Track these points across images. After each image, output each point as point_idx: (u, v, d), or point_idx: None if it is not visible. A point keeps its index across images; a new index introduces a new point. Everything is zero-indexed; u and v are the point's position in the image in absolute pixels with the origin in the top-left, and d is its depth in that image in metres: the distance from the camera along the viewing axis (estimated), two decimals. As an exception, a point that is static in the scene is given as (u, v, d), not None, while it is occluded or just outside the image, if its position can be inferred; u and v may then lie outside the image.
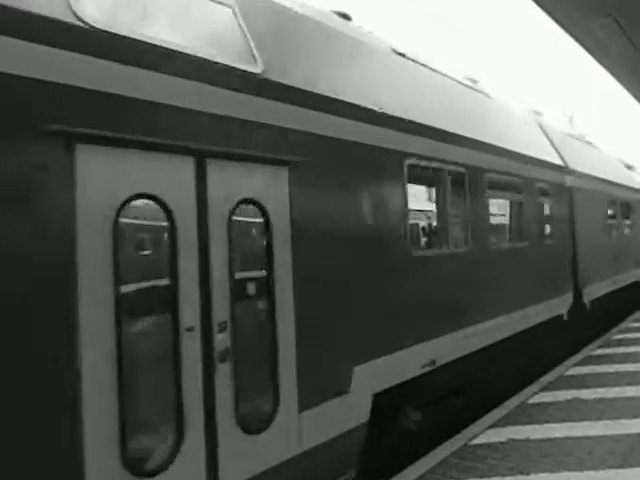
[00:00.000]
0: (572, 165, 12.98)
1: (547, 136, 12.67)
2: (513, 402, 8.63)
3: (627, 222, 18.21)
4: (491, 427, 7.53)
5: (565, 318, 11.65)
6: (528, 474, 6.00)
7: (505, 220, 10.18)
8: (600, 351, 12.03)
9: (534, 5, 7.21)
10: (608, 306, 15.10)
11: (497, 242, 9.43)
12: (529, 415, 7.93)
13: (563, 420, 7.60)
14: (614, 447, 6.58)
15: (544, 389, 9.25)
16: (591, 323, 13.88)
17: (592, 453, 6.44)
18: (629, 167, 21.36)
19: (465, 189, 8.19)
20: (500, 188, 9.40)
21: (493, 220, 9.22)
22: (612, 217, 16.46)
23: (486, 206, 8.79)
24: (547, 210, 11.29)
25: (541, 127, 12.71)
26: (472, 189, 8.31)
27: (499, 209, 9.77)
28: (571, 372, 10.29)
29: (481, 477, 6.00)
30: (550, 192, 11.31)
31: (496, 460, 6.40)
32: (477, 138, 8.68)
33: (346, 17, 7.52)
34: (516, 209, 10.13)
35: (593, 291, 13.39)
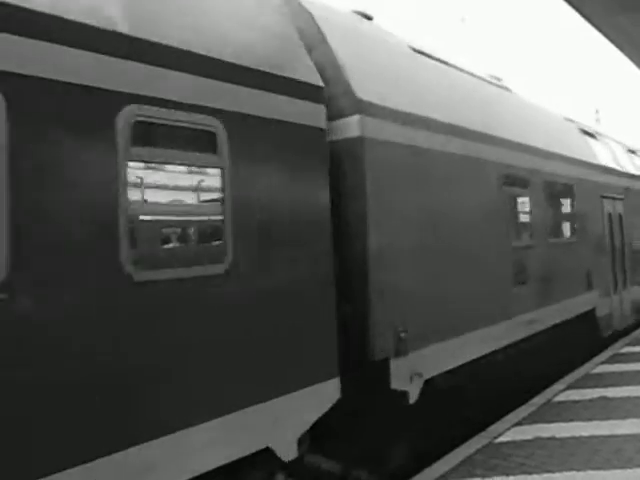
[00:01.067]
0: (370, 95, 6.10)
1: (312, 31, 6.05)
2: (539, 400, 8.61)
3: (563, 216, 11.37)
4: (517, 425, 7.54)
5: (288, 457, 4.75)
6: (554, 472, 6.01)
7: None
8: (627, 349, 11.91)
9: (563, 3, 7.17)
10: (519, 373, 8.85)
11: None
12: (555, 413, 7.92)
13: (589, 418, 7.58)
14: (641, 446, 6.55)
15: (570, 387, 9.21)
16: (426, 430, 6.77)
17: (619, 452, 6.42)
18: (589, 134, 13.75)
19: None
20: None
21: None
22: (525, 206, 9.51)
23: None
24: (224, 187, 4.50)
25: (301, 15, 6.11)
26: None
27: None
28: (598, 370, 10.22)
29: (507, 475, 6.03)
30: (249, 143, 4.71)
31: (522, 458, 6.42)
32: None
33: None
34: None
35: (434, 360, 6.54)
